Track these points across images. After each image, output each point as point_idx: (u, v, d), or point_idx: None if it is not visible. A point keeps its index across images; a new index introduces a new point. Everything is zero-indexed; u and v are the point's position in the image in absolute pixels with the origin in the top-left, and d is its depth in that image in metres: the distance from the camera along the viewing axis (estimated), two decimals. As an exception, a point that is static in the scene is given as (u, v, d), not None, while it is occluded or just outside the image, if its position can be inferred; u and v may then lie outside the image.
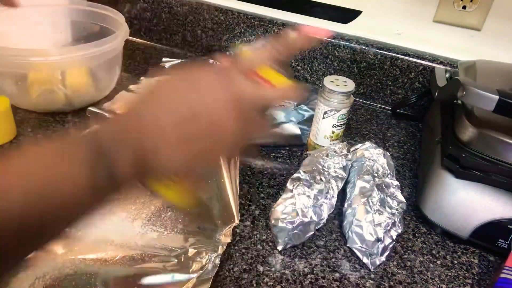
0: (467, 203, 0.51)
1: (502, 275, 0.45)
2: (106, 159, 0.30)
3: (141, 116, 0.33)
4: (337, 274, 0.47)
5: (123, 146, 0.31)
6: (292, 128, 0.66)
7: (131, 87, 0.77)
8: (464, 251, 0.53)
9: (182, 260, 0.45)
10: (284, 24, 0.86)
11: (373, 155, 0.58)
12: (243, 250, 0.49)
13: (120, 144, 0.31)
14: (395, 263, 0.50)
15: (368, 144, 0.60)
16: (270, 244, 0.50)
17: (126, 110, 0.34)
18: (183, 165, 0.33)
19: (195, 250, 0.46)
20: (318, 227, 0.51)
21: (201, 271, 0.43)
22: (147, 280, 0.42)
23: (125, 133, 0.32)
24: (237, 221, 0.51)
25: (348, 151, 0.60)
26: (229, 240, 0.48)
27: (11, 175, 0.29)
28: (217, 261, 0.44)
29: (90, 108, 0.67)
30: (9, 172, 0.29)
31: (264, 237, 0.51)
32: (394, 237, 0.49)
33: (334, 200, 0.53)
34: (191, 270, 0.44)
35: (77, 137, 0.32)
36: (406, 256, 0.51)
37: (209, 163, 0.39)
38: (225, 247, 0.47)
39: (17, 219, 0.27)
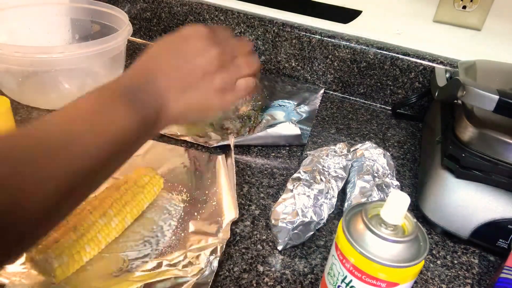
0: (467, 203, 0.51)
1: (502, 275, 0.45)
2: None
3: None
4: (337, 274, 0.47)
5: None
6: (292, 128, 0.66)
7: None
8: (464, 251, 0.53)
9: (181, 265, 0.45)
10: (284, 24, 0.86)
11: (373, 155, 0.58)
12: (243, 250, 0.49)
13: None
14: (395, 263, 0.50)
15: (368, 144, 0.60)
16: (270, 244, 0.50)
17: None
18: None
19: (195, 254, 0.46)
20: (318, 227, 0.51)
21: (199, 275, 0.43)
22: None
23: None
24: (236, 216, 0.51)
25: (348, 151, 0.60)
26: (227, 236, 0.48)
27: None
28: (215, 263, 0.44)
29: None
30: None
31: (264, 237, 0.51)
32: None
33: (334, 200, 0.53)
34: (189, 274, 0.43)
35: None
36: (406, 256, 0.51)
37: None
38: (224, 246, 0.47)
39: None
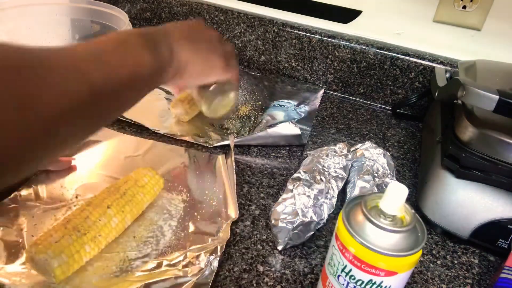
0: (467, 203, 0.51)
1: (502, 275, 0.45)
2: None
3: None
4: (337, 274, 0.47)
5: None
6: (292, 128, 0.66)
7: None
8: (464, 251, 0.53)
9: (181, 265, 0.45)
10: (284, 24, 0.86)
11: (373, 155, 0.58)
12: (243, 250, 0.49)
13: None
14: (395, 263, 0.50)
15: (368, 144, 0.60)
16: (270, 244, 0.50)
17: None
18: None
19: (195, 254, 0.46)
20: (318, 227, 0.51)
21: (199, 275, 0.43)
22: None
23: None
24: (236, 216, 0.51)
25: (348, 151, 0.60)
26: (227, 236, 0.48)
27: None
28: (215, 263, 0.44)
29: None
30: None
31: (264, 237, 0.51)
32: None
33: (334, 200, 0.53)
34: (189, 274, 0.43)
35: None
36: (406, 256, 0.51)
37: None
38: (224, 247, 0.47)
39: None
